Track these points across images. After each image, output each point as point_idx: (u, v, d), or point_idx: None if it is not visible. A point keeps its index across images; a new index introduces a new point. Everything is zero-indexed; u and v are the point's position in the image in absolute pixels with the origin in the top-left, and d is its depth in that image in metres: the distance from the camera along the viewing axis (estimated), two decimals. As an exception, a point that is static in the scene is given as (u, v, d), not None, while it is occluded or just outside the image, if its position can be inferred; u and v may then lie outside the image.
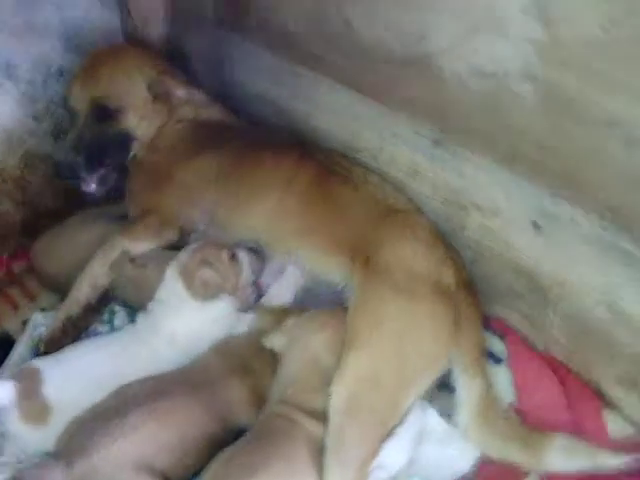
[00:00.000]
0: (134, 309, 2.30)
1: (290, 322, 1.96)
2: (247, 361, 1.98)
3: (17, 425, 1.87)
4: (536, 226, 1.86)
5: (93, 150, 2.40)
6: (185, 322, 2.08)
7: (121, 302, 2.39)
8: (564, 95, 1.62)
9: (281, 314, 2.08)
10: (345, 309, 1.94)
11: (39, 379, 1.89)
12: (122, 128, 2.45)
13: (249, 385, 1.92)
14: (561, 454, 1.75)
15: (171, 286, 2.11)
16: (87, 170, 2.40)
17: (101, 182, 2.47)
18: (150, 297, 2.16)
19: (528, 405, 1.95)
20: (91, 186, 2.45)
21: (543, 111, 1.68)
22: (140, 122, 2.47)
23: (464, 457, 1.87)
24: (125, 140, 2.48)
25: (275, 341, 1.95)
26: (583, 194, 1.73)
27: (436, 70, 1.87)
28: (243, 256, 2.17)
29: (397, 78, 2.02)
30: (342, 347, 1.83)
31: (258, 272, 2.22)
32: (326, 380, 1.79)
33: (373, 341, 1.81)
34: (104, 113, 2.41)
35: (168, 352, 2.04)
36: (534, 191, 1.81)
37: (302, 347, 1.89)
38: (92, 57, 2.48)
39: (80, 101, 2.42)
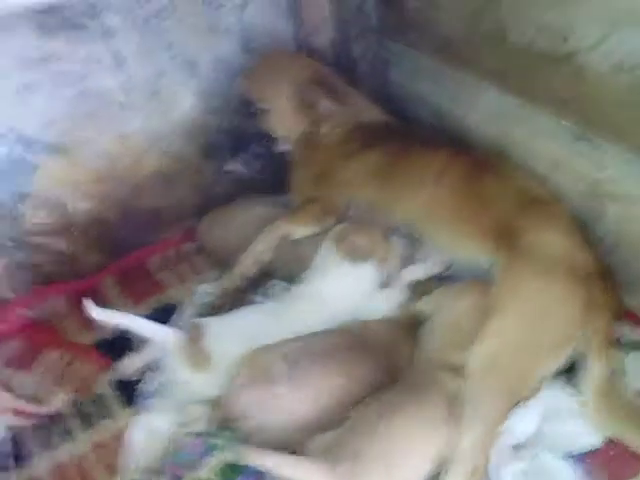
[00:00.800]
0: (290, 284, 2.47)
1: (439, 290, 2.16)
2: (405, 331, 2.14)
3: (181, 370, 2.09)
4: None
5: (237, 138, 2.73)
6: (333, 283, 2.26)
7: (279, 277, 2.59)
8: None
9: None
10: (488, 283, 2.09)
11: (202, 332, 2.11)
12: (263, 126, 2.72)
13: (406, 351, 2.08)
14: None
15: (325, 252, 2.30)
16: (229, 153, 2.75)
17: (243, 166, 2.80)
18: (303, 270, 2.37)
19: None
20: (233, 167, 2.80)
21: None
22: (281, 125, 2.72)
23: (590, 436, 1.94)
24: (266, 137, 2.75)
25: (425, 305, 2.14)
26: None
27: (580, 67, 1.98)
28: (396, 238, 2.35)
29: (544, 76, 2.13)
30: (482, 315, 1.97)
31: (407, 256, 2.37)
32: (466, 343, 1.95)
33: (512, 312, 1.95)
34: (250, 109, 2.70)
35: (317, 315, 2.21)
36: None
37: (447, 311, 2.06)
38: (259, 58, 2.76)
39: (239, 93, 2.73)
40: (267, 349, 1.99)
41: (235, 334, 2.15)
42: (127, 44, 2.56)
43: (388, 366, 2.02)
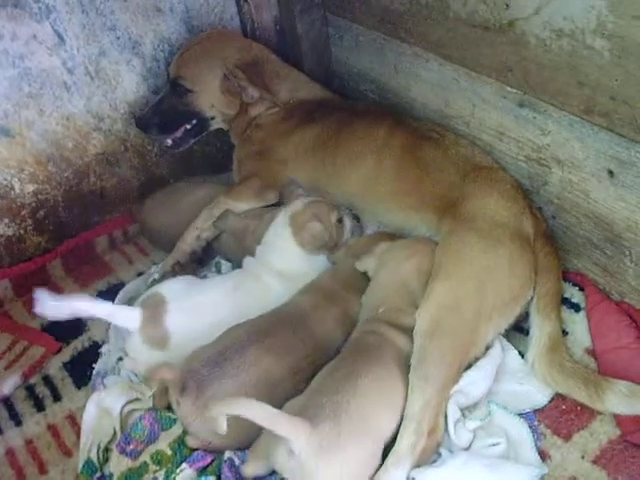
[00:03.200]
0: (236, 263, 2.52)
1: (382, 247, 2.14)
2: (331, 293, 2.15)
3: (139, 347, 2.08)
4: (611, 174, 1.97)
5: (166, 117, 2.74)
6: (291, 261, 2.28)
7: (223, 256, 2.62)
8: (637, 47, 1.73)
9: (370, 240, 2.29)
10: (435, 242, 2.13)
11: (164, 309, 2.09)
12: (192, 107, 2.74)
13: (335, 314, 2.10)
14: (621, 398, 1.85)
15: (280, 230, 2.31)
16: (158, 131, 2.76)
17: (176, 143, 2.81)
18: (249, 250, 2.38)
19: (603, 348, 2.06)
20: (167, 143, 2.81)
21: (617, 63, 1.79)
22: (210, 107, 2.75)
23: (540, 393, 1.99)
24: (196, 117, 2.77)
25: (367, 264, 2.13)
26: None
27: (522, 33, 2.02)
28: (347, 220, 2.37)
29: (486, 44, 2.17)
30: (429, 275, 2.00)
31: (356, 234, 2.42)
32: (413, 302, 1.98)
33: (456, 274, 1.98)
34: (179, 90, 2.71)
35: (278, 287, 2.23)
36: (609, 140, 1.93)
37: (393, 271, 2.07)
38: (194, 39, 2.77)
39: (170, 74, 2.75)
40: (192, 356, 1.95)
41: (197, 312, 2.14)
42: (71, 24, 2.55)
43: (314, 332, 2.05)
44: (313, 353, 1.98)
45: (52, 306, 1.98)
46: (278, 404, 1.82)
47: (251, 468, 1.75)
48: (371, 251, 2.15)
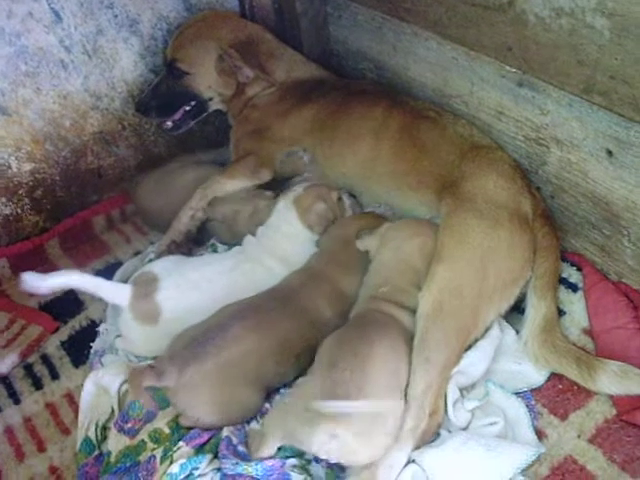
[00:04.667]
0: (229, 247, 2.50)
1: (384, 227, 2.12)
2: (318, 272, 2.15)
3: (130, 323, 2.09)
4: (610, 154, 1.96)
5: (165, 100, 2.75)
6: (295, 245, 2.28)
7: (217, 239, 2.61)
8: (637, 26, 1.71)
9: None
10: (435, 224, 2.12)
11: (155, 286, 2.10)
12: (190, 89, 2.74)
13: (324, 291, 2.09)
14: (613, 378, 1.86)
15: (284, 214, 2.30)
16: (157, 114, 2.78)
17: (176, 125, 2.82)
18: (240, 236, 2.39)
19: (601, 328, 2.06)
20: (167, 125, 2.81)
21: (617, 43, 1.78)
22: (207, 88, 2.75)
23: (537, 373, 2.00)
24: (194, 98, 2.77)
25: (368, 243, 2.12)
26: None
27: (522, 12, 2.00)
28: (346, 197, 2.39)
29: (485, 23, 2.15)
30: (431, 256, 2.00)
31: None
32: (416, 283, 1.98)
33: (457, 256, 1.98)
34: (176, 72, 2.70)
35: (280, 269, 2.22)
36: (608, 120, 1.92)
37: (395, 250, 2.06)
38: (189, 21, 2.77)
39: (165, 56, 2.76)
40: (178, 337, 1.95)
41: (190, 289, 2.14)
42: (68, 2, 2.53)
43: (304, 308, 2.05)
44: (305, 330, 1.98)
45: (41, 285, 2.01)
46: (265, 379, 1.92)
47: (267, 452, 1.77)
48: (373, 230, 2.14)
